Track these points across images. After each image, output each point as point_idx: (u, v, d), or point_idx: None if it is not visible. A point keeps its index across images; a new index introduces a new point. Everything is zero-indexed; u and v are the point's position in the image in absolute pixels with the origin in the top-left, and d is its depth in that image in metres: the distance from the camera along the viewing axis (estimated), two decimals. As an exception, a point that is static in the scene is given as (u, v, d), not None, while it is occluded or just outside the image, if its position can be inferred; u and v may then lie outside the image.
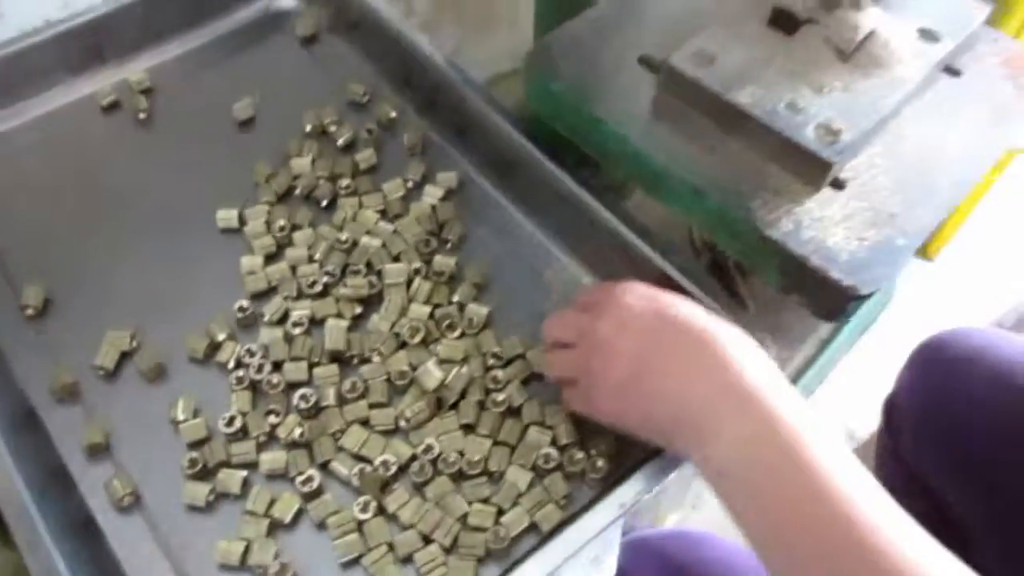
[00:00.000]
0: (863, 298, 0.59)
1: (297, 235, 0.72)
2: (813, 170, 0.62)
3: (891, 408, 0.87)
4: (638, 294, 0.59)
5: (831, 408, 1.07)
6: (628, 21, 0.72)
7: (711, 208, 0.62)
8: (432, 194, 0.75)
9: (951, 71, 0.71)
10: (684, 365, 0.54)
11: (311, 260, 0.70)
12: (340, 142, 0.78)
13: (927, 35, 0.69)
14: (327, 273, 0.69)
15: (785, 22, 0.67)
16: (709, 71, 0.64)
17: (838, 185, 0.63)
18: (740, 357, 0.53)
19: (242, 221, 0.72)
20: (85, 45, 0.78)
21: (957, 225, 0.98)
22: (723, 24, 0.68)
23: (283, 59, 0.84)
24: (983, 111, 0.69)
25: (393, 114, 0.80)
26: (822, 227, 0.61)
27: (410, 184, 0.76)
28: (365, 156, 0.77)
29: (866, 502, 0.45)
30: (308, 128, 0.78)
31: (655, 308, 0.57)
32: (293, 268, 0.70)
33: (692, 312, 0.56)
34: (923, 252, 1.02)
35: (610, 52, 0.70)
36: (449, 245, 0.72)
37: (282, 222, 0.72)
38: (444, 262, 0.70)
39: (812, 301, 0.62)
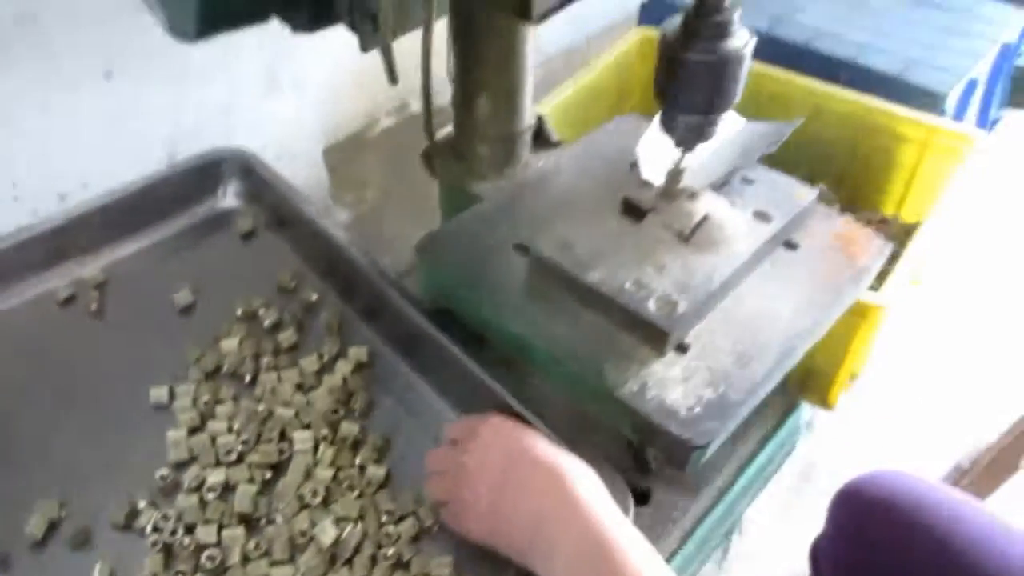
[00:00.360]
0: (702, 448, 0.66)
1: (220, 408, 0.80)
2: (655, 337, 0.71)
3: (816, 553, 0.92)
4: (498, 431, 0.69)
5: (793, 553, 1.12)
6: (507, 214, 0.84)
7: (570, 373, 0.71)
8: (343, 368, 0.84)
9: (789, 245, 0.82)
10: (537, 497, 0.64)
11: (230, 431, 0.78)
12: (266, 324, 0.88)
13: (761, 216, 0.80)
14: (243, 442, 0.77)
15: (633, 211, 0.78)
16: (567, 255, 0.75)
17: (682, 348, 0.72)
18: (584, 492, 0.63)
19: (172, 397, 0.81)
20: (48, 248, 0.90)
21: (847, 376, 1.07)
22: (582, 214, 0.79)
23: (224, 252, 0.96)
24: (816, 278, 0.79)
25: (315, 298, 0.91)
26: (664, 387, 0.69)
27: (325, 359, 0.85)
28: (287, 335, 0.87)
29: None
30: (239, 312, 0.89)
31: (513, 445, 0.68)
32: (213, 439, 0.78)
33: (545, 449, 0.67)
34: (822, 402, 1.09)
35: (491, 240, 0.81)
36: (356, 413, 0.81)
37: (207, 397, 0.80)
38: (349, 428, 0.78)
39: (663, 452, 0.69)
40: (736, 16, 0.67)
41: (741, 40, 0.68)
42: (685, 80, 0.69)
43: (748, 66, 0.69)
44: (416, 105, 1.60)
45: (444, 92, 0.88)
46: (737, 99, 0.70)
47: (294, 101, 1.21)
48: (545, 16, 0.56)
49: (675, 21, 0.69)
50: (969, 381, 1.48)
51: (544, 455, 0.66)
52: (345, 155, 1.58)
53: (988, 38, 1.34)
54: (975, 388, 1.48)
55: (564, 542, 0.62)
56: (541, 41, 0.95)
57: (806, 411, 1.14)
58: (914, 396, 1.43)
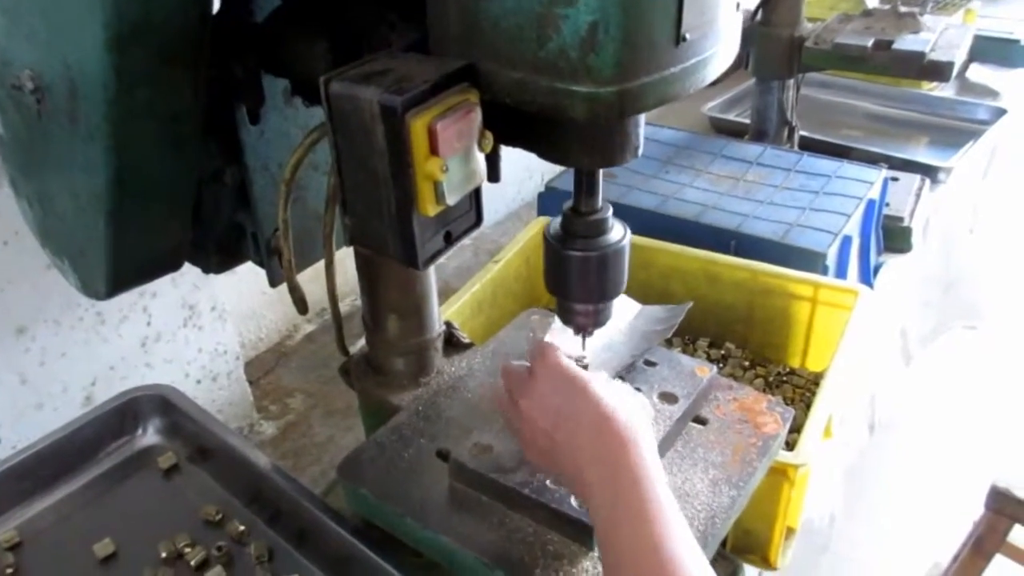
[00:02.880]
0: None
1: (147, 665, 0.77)
2: (581, 534, 0.72)
3: None
4: (552, 372, 0.71)
5: None
6: (426, 423, 0.86)
7: (502, 580, 0.72)
8: (276, 600, 0.82)
9: (699, 421, 0.86)
10: (588, 437, 0.67)
11: None
12: (193, 563, 0.86)
13: (667, 397, 0.84)
14: None
15: (546, 408, 0.81)
16: (486, 460, 0.77)
17: (609, 541, 0.73)
18: (631, 440, 0.66)
19: (94, 660, 0.78)
20: (-40, 516, 0.88)
21: (782, 533, 1.09)
22: (498, 415, 0.82)
23: (145, 492, 0.95)
24: (727, 453, 0.82)
25: (242, 528, 0.89)
26: (596, 584, 0.70)
27: (257, 593, 0.83)
28: (215, 573, 0.84)
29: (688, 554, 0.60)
30: (163, 555, 0.87)
31: (568, 386, 0.70)
32: None
33: (601, 387, 0.70)
34: (764, 562, 1.10)
35: (412, 452, 0.83)
36: (291, 649, 0.78)
37: (132, 655, 0.77)
38: (284, 668, 0.76)
39: (603, 652, 0.69)
40: (610, 213, 0.72)
41: (618, 234, 0.73)
42: (572, 275, 0.74)
43: (628, 256, 0.74)
44: (336, 310, 1.64)
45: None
46: (623, 286, 0.74)
47: (212, 325, 1.23)
48: (431, 262, 0.61)
49: (556, 222, 0.74)
50: (924, 513, 1.52)
51: (599, 392, 0.69)
52: (267, 366, 1.60)
53: (854, 197, 1.47)
54: (932, 518, 1.51)
55: (603, 486, 0.65)
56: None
57: (751, 573, 1.14)
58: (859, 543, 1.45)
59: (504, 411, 0.76)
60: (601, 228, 0.72)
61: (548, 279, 0.77)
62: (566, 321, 0.79)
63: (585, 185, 0.70)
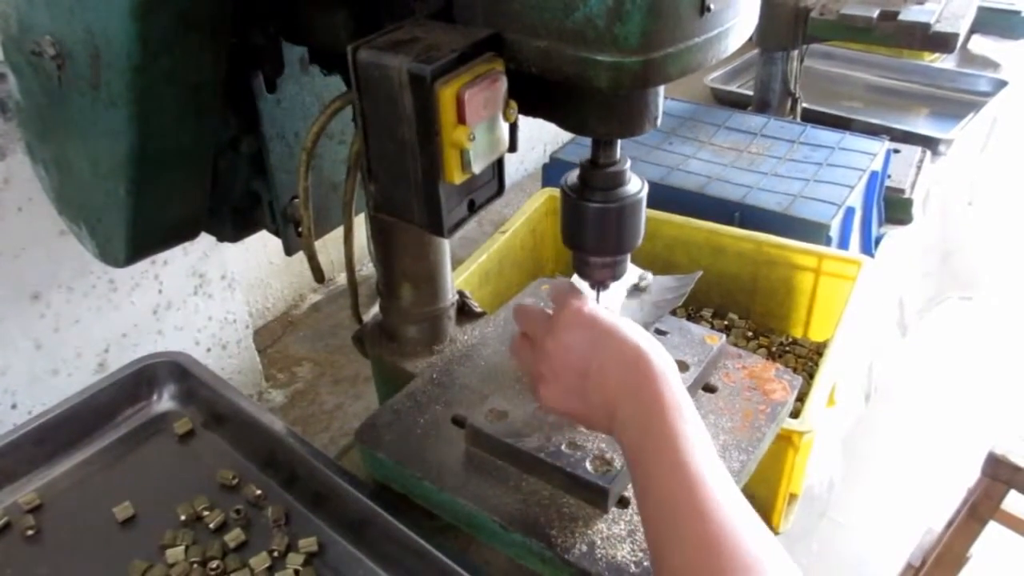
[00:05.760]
0: (653, 602, 0.68)
1: (170, 624, 0.79)
2: (596, 496, 0.74)
3: None
4: (579, 315, 0.71)
5: None
6: (441, 389, 0.87)
7: (518, 541, 0.73)
8: (295, 561, 0.84)
9: (708, 388, 0.88)
10: (621, 374, 0.67)
11: (183, 646, 0.77)
12: (212, 525, 0.88)
13: (678, 366, 0.85)
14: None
15: (560, 375, 0.83)
16: (502, 425, 0.79)
17: (623, 503, 0.75)
18: (662, 372, 0.67)
19: (119, 619, 0.79)
20: (-21, 481, 0.89)
21: (785, 499, 1.11)
22: (512, 382, 0.83)
23: (162, 457, 0.96)
24: (737, 419, 0.84)
25: (259, 492, 0.91)
26: (611, 544, 0.72)
27: (275, 554, 0.85)
28: (233, 536, 0.86)
29: (721, 495, 0.60)
30: (183, 518, 0.88)
31: (597, 328, 0.70)
32: (164, 657, 0.76)
33: (629, 328, 0.70)
34: (771, 529, 1.13)
35: (428, 418, 0.84)
36: (311, 607, 0.80)
37: (155, 613, 0.79)
38: (305, 625, 0.78)
39: (617, 610, 0.71)
40: (628, 166, 0.73)
41: (635, 186, 0.74)
42: (590, 227, 0.74)
43: (645, 208, 0.74)
44: (341, 278, 1.65)
45: (367, 261, 0.92)
46: (640, 239, 0.75)
47: (222, 294, 1.24)
48: (455, 230, 0.62)
49: (574, 174, 0.75)
50: (918, 480, 1.54)
51: (630, 334, 0.69)
52: (274, 335, 1.61)
53: (857, 169, 1.48)
54: (926, 485, 1.53)
55: (635, 419, 0.65)
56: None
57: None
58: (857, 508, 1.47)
59: (519, 352, 0.76)
60: (619, 180, 0.72)
61: (565, 232, 0.76)
62: (582, 274, 0.79)
63: (603, 143, 0.70)
